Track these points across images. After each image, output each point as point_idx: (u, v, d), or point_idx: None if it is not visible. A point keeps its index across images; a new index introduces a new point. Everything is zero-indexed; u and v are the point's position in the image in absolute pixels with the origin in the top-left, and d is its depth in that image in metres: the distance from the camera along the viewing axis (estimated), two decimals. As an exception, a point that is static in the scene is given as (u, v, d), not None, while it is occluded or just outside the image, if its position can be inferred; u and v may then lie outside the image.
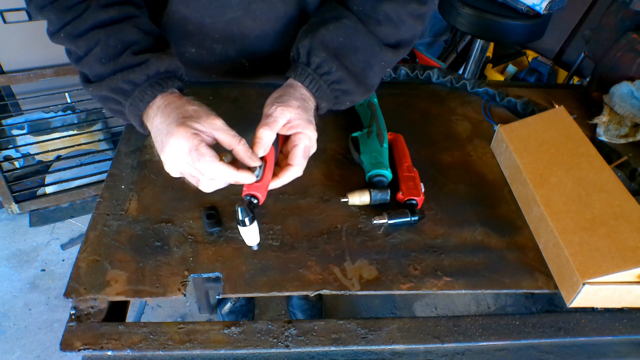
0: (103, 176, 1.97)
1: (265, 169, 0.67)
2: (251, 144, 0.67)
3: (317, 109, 0.76)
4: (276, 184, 0.69)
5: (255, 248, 0.71)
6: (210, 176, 0.63)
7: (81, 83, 0.72)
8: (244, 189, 0.66)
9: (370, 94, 0.82)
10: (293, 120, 0.69)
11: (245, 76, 0.99)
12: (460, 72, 2.49)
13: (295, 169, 0.69)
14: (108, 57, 0.68)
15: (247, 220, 0.65)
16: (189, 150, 0.61)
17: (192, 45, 0.92)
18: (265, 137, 0.67)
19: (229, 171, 0.63)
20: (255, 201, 0.66)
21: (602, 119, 1.01)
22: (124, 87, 0.67)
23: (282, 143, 0.73)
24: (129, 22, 0.71)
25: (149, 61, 0.68)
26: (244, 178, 0.64)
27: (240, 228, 0.67)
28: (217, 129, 0.64)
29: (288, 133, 0.70)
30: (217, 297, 1.67)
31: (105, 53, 0.68)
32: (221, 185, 0.65)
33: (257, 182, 0.65)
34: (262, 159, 0.67)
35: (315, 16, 0.82)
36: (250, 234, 0.68)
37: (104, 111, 2.15)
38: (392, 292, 0.71)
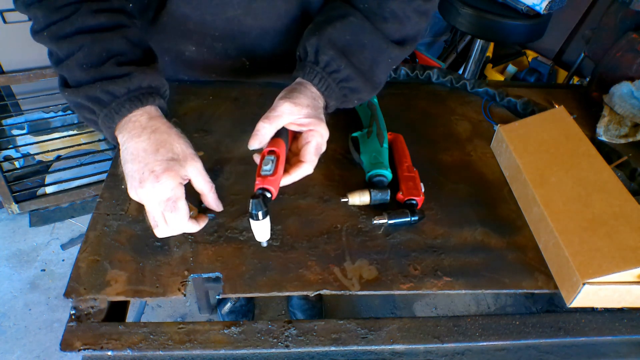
0: (103, 176, 1.96)
1: (278, 164, 0.66)
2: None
3: (325, 107, 0.76)
4: (287, 180, 0.69)
5: (265, 245, 0.71)
6: (173, 229, 0.66)
7: (59, 86, 0.70)
8: (257, 182, 0.65)
9: (377, 91, 0.82)
10: (305, 117, 0.69)
11: (245, 75, 0.99)
12: (460, 72, 2.49)
13: (307, 166, 0.69)
14: (90, 63, 0.66)
15: (260, 214, 0.64)
16: (167, 199, 0.63)
17: (193, 43, 0.91)
18: (263, 130, 0.67)
19: (191, 227, 0.68)
20: (269, 195, 0.65)
21: (603, 120, 1.01)
22: (102, 97, 0.65)
23: (292, 140, 0.73)
24: (118, 32, 0.69)
25: (132, 74, 0.66)
26: (193, 228, 0.69)
27: (252, 222, 0.66)
28: (196, 174, 0.66)
29: (300, 130, 0.70)
30: (217, 297, 1.67)
31: (87, 59, 0.66)
32: (174, 234, 0.68)
33: (270, 176, 0.65)
34: (275, 153, 0.67)
35: (320, 15, 0.82)
36: (262, 228, 0.67)
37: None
38: (392, 292, 0.71)
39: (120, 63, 0.67)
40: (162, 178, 0.62)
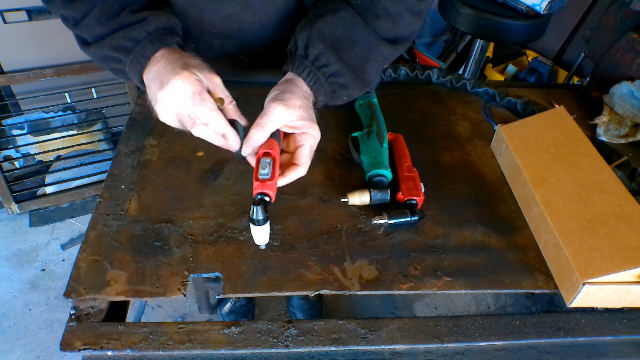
0: (103, 176, 1.97)
1: (274, 166, 0.67)
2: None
3: (314, 103, 0.75)
4: (281, 182, 0.69)
5: (263, 248, 0.71)
6: (205, 122, 0.66)
7: (80, 47, 0.76)
8: (256, 186, 0.66)
9: (367, 89, 0.82)
10: (297, 120, 0.68)
11: (244, 73, 0.99)
12: (460, 72, 2.49)
13: (301, 169, 0.69)
14: (107, 17, 0.71)
15: (262, 220, 0.65)
16: (192, 93, 0.65)
17: (191, 40, 0.91)
18: (255, 137, 0.67)
19: (222, 122, 0.67)
20: (268, 199, 0.66)
21: (602, 119, 1.01)
22: (125, 44, 0.70)
23: (283, 137, 0.73)
24: None
25: (148, 18, 0.71)
26: (231, 136, 0.68)
27: (253, 227, 0.66)
28: (215, 85, 0.68)
29: (293, 132, 0.70)
30: (217, 297, 1.67)
31: (103, 14, 0.71)
32: (210, 137, 0.68)
33: (268, 180, 0.65)
34: (270, 155, 0.67)
35: (313, 9, 0.82)
36: (262, 233, 0.68)
37: (104, 111, 2.15)
38: (392, 292, 0.71)
39: (134, 11, 0.73)
40: (180, 74, 0.65)
